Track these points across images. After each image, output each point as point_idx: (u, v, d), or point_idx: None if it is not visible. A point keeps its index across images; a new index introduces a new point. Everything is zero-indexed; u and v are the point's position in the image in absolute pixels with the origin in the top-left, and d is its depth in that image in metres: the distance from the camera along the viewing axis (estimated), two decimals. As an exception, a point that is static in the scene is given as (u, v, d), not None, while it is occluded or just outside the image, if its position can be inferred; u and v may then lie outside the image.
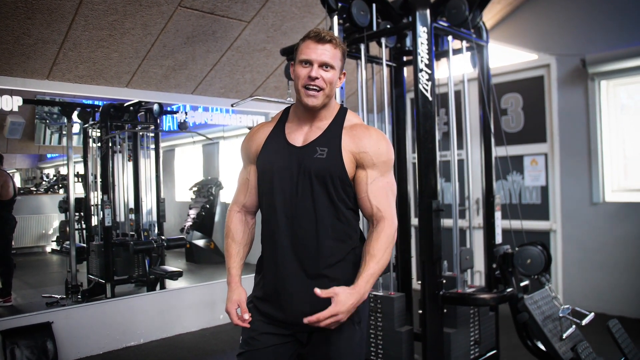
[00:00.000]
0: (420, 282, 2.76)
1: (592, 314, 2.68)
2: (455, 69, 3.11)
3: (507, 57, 5.23)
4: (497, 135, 3.51)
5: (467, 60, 3.24)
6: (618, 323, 2.77)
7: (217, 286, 4.93)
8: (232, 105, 3.69)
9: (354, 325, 1.76)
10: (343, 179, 1.71)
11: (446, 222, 2.91)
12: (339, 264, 1.73)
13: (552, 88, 4.92)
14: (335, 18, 2.79)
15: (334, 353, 1.73)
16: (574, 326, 2.68)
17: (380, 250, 1.67)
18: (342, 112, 1.81)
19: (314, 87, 1.68)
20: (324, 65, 1.68)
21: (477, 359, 2.95)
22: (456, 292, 2.80)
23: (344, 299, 1.59)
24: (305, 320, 1.57)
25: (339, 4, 2.80)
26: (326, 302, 1.69)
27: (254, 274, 1.88)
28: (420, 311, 2.77)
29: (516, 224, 3.20)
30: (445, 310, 2.77)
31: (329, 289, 1.60)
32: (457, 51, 3.11)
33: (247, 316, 1.77)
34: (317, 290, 1.58)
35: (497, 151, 3.17)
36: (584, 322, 2.59)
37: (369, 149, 1.72)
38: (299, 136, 1.78)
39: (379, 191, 1.72)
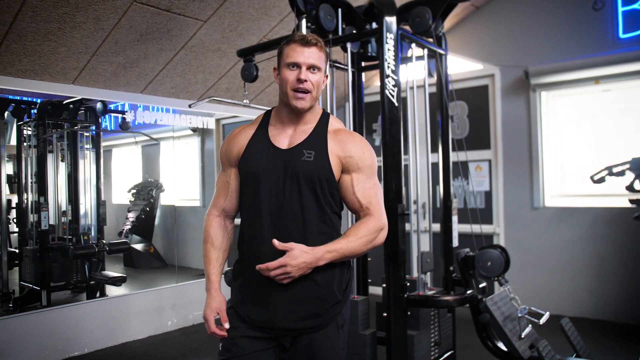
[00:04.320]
0: (384, 285, 2.79)
1: (548, 313, 2.82)
2: (406, 76, 3.17)
3: (454, 66, 5.40)
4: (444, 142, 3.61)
5: (422, 67, 3.32)
6: (569, 322, 2.92)
7: (163, 292, 4.77)
8: (189, 106, 3.59)
9: (338, 329, 1.77)
10: (330, 182, 1.71)
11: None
12: (325, 268, 1.71)
13: (496, 97, 5.14)
14: (304, 21, 2.77)
15: (318, 357, 1.72)
16: (530, 325, 2.80)
17: (355, 235, 1.69)
18: (325, 116, 1.82)
19: (303, 90, 1.68)
20: (311, 68, 1.69)
21: (436, 360, 3.02)
22: (420, 295, 2.85)
23: (296, 254, 1.60)
24: (257, 267, 1.61)
25: (308, 7, 2.79)
26: (311, 308, 1.69)
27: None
28: (385, 314, 2.80)
29: (463, 227, 3.30)
30: (408, 313, 2.81)
31: (287, 243, 1.61)
32: (418, 58, 3.17)
33: (226, 325, 1.74)
34: (275, 241, 1.61)
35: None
36: (541, 322, 2.71)
37: (355, 154, 1.74)
38: (283, 139, 1.77)
39: (367, 191, 1.74)
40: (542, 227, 4.93)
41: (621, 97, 4.71)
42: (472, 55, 5.24)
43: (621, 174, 4.15)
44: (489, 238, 5.13)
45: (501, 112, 5.13)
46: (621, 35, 4.55)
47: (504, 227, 5.13)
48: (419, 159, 3.15)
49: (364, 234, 1.69)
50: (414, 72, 3.18)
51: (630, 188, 4.06)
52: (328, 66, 1.80)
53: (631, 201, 4.06)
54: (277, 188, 1.70)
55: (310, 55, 1.68)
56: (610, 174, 4.24)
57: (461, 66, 5.37)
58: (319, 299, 1.70)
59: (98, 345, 4.20)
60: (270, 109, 1.88)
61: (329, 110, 3.05)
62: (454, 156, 3.27)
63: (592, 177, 4.33)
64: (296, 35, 1.72)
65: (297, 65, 1.68)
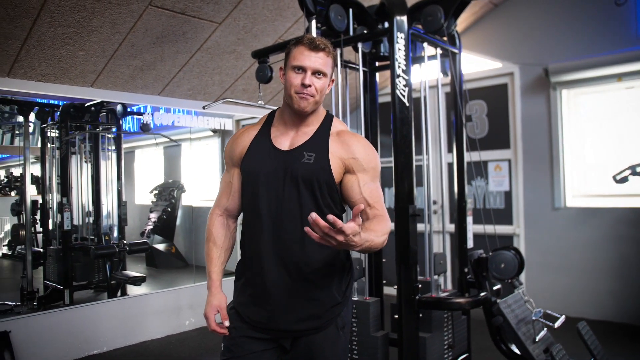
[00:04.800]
0: (396, 287, 2.77)
1: (563, 316, 2.76)
2: (423, 75, 3.14)
3: (472, 64, 5.34)
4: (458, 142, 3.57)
5: (437, 66, 3.29)
6: (587, 325, 2.86)
7: (182, 292, 4.82)
8: (203, 107, 3.63)
9: (338, 331, 1.76)
10: (330, 184, 1.70)
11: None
12: (324, 269, 1.72)
13: (516, 96, 5.05)
14: (314, 22, 2.77)
15: (317, 358, 1.72)
16: (545, 329, 2.74)
17: (380, 232, 1.57)
18: (328, 119, 1.81)
19: (307, 95, 1.67)
20: (316, 73, 1.67)
21: (450, 363, 2.99)
22: (432, 297, 2.82)
23: (349, 228, 1.37)
24: (306, 229, 1.38)
25: (317, 8, 2.78)
26: (310, 309, 1.68)
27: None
28: (396, 316, 2.78)
29: (481, 228, 3.25)
30: (420, 315, 2.79)
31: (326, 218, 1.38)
32: (431, 57, 3.14)
33: (226, 323, 1.75)
34: (313, 215, 1.36)
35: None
36: (556, 325, 2.65)
37: (359, 155, 1.72)
38: (285, 140, 1.76)
39: (374, 192, 1.72)
40: (563, 228, 4.83)
41: (645, 95, 4.59)
42: (491, 54, 5.16)
43: (644, 173, 4.05)
44: (508, 239, 5.05)
45: (521, 111, 5.05)
46: (645, 31, 4.43)
47: (524, 228, 5.04)
48: (433, 159, 3.13)
49: (384, 231, 1.61)
50: (428, 72, 3.16)
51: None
52: (334, 70, 1.78)
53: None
54: (277, 189, 1.70)
55: (317, 60, 1.66)
56: (634, 173, 4.14)
57: (480, 65, 5.30)
58: (318, 300, 1.70)
59: (116, 344, 4.27)
60: (275, 109, 1.88)
61: (342, 111, 3.06)
62: (473, 156, 3.22)
63: (614, 177, 4.23)
64: (305, 37, 1.70)
65: (303, 69, 1.66)
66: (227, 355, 1.76)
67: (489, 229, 3.43)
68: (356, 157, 1.71)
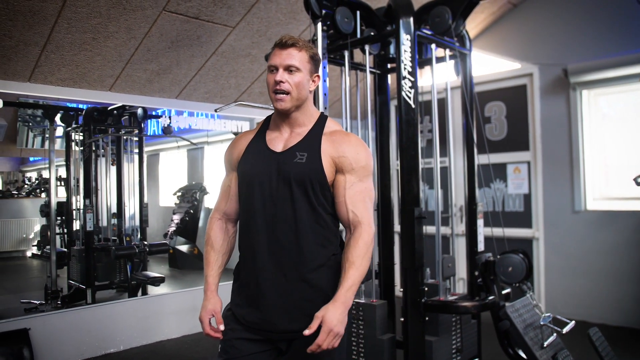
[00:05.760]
0: (402, 289, 2.76)
1: (573, 322, 2.70)
2: (439, 77, 3.13)
3: (491, 65, 5.28)
4: (480, 143, 3.52)
5: (451, 68, 3.27)
6: (598, 331, 2.79)
7: (199, 292, 4.83)
8: (215, 111, 3.67)
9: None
10: (322, 184, 1.71)
11: (429, 229, 2.91)
12: (319, 269, 1.72)
13: (535, 97, 4.97)
14: (320, 25, 2.78)
15: (314, 360, 1.72)
16: (554, 334, 2.69)
17: (359, 257, 1.67)
18: (322, 119, 1.83)
19: (281, 91, 1.70)
20: (288, 68, 1.70)
21: (458, 367, 2.95)
22: (438, 300, 2.80)
23: (330, 316, 1.60)
24: (308, 350, 1.59)
25: (323, 11, 2.79)
26: (305, 310, 1.69)
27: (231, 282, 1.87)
28: (402, 319, 2.77)
29: (499, 231, 3.22)
30: (427, 318, 2.76)
31: (313, 322, 1.60)
32: (440, 59, 3.12)
33: (221, 327, 1.77)
34: (306, 332, 1.60)
35: (480, 159, 3.19)
36: (564, 330, 2.60)
37: (348, 154, 1.73)
38: (279, 142, 1.79)
39: (356, 196, 1.73)
40: (584, 231, 4.71)
41: (669, 95, 4.46)
42: (510, 55, 5.09)
43: (667, 175, 3.92)
44: (528, 242, 4.97)
45: (540, 112, 4.95)
46: (668, 30, 4.31)
47: (544, 231, 4.94)
48: (454, 162, 3.11)
49: (364, 250, 1.68)
50: (443, 74, 3.14)
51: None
52: (316, 65, 1.79)
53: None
54: (271, 190, 1.72)
55: (287, 56, 1.70)
56: (656, 175, 4.02)
57: (498, 66, 5.23)
58: (312, 301, 1.70)
59: (133, 343, 4.35)
60: (270, 115, 1.90)
61: (352, 114, 3.06)
62: (491, 158, 3.18)
63: (635, 179, 4.11)
64: (277, 39, 1.76)
65: (275, 67, 1.72)
66: (223, 357, 1.77)
67: (509, 232, 3.38)
68: (346, 156, 1.72)
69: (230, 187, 1.88)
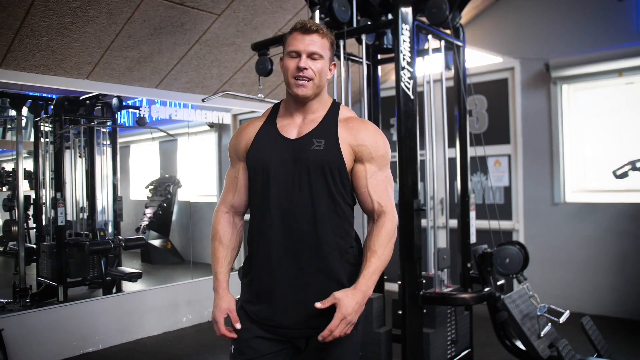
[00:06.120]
0: (399, 282, 2.73)
1: (568, 311, 2.73)
2: (419, 70, 3.09)
3: (473, 59, 5.30)
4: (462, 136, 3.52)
5: (440, 60, 3.24)
6: (590, 320, 2.83)
7: (179, 288, 4.77)
8: (202, 100, 3.56)
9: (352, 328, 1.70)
10: (341, 171, 1.65)
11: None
12: (337, 262, 1.66)
13: (516, 91, 5.03)
14: (317, 12, 2.72)
15: (330, 357, 1.66)
16: (550, 324, 2.72)
17: (381, 246, 1.62)
18: (335, 106, 1.77)
19: (304, 77, 1.64)
20: (312, 55, 1.65)
21: (453, 358, 2.95)
22: (436, 292, 2.79)
23: (347, 302, 1.54)
24: (320, 337, 1.53)
25: (321, -1, 2.73)
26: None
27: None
28: (400, 312, 2.74)
29: (484, 223, 3.22)
30: (424, 311, 2.75)
31: (329, 297, 1.55)
32: (435, 50, 3.10)
33: (238, 326, 1.68)
34: (318, 304, 1.55)
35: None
36: (561, 320, 2.63)
37: (367, 142, 1.68)
38: (292, 129, 1.72)
39: (379, 185, 1.68)
40: (563, 223, 4.81)
41: (645, 90, 4.57)
42: (492, 48, 5.13)
43: (645, 168, 4.03)
44: (508, 234, 5.04)
45: (521, 106, 5.02)
46: (646, 26, 4.41)
47: (524, 223, 5.02)
48: (436, 153, 3.08)
49: (386, 239, 1.64)
50: (431, 65, 3.11)
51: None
52: (336, 55, 1.74)
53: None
54: (287, 179, 1.65)
55: (310, 42, 1.64)
56: (634, 168, 4.13)
57: (480, 59, 5.27)
58: (330, 295, 1.64)
59: (113, 342, 4.21)
60: (278, 102, 1.83)
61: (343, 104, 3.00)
62: (472, 151, 3.19)
63: (614, 172, 4.21)
64: (298, 23, 1.68)
65: (298, 53, 1.65)
66: (239, 358, 1.68)
67: (491, 224, 3.40)
68: (365, 144, 1.67)
69: (238, 179, 1.79)
